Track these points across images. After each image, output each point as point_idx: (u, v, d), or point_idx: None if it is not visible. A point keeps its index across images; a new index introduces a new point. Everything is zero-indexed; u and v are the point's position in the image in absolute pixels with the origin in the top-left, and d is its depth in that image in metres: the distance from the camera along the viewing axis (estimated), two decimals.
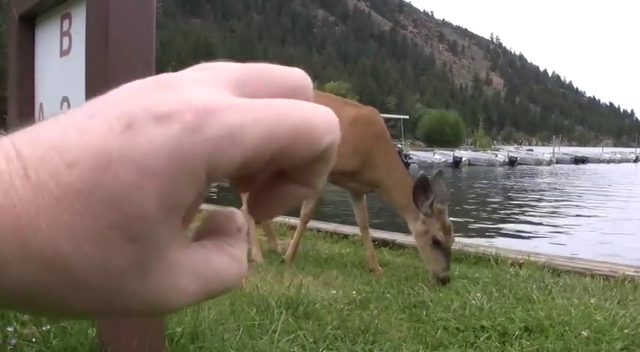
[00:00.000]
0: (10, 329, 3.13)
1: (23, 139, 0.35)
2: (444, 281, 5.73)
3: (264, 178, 0.42)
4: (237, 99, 0.38)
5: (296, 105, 0.39)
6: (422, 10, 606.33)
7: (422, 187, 5.98)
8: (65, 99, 3.41)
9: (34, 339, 3.11)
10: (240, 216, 0.44)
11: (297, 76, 0.42)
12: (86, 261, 0.34)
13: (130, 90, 0.38)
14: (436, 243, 5.93)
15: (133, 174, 0.34)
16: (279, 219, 9.66)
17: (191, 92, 0.37)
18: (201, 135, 0.35)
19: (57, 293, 0.35)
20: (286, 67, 0.43)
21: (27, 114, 3.92)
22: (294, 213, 7.56)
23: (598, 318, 4.40)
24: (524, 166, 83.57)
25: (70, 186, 0.34)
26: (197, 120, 0.35)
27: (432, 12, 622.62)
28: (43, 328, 3.17)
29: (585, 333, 4.12)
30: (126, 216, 0.34)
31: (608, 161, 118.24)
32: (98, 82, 2.77)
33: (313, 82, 0.43)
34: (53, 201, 0.34)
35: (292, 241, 7.02)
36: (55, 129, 0.36)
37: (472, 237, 14.61)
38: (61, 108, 3.44)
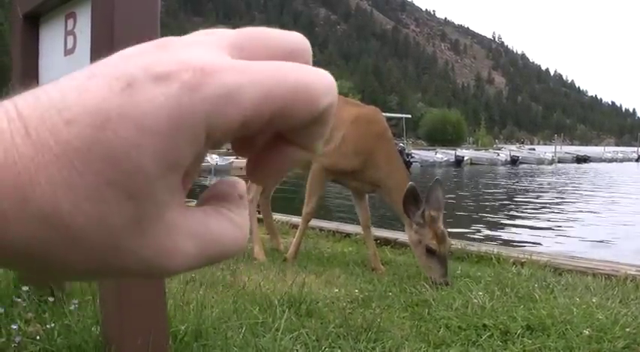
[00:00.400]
0: (14, 327, 3.14)
1: (25, 100, 0.36)
2: (445, 284, 5.73)
3: (264, 142, 0.43)
4: (235, 60, 0.39)
5: (294, 67, 0.39)
6: (424, 9, 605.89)
7: (412, 197, 5.98)
8: None
9: (38, 337, 3.12)
10: (242, 184, 0.45)
11: (296, 38, 0.43)
12: (85, 218, 0.35)
13: (130, 52, 0.39)
14: (430, 251, 5.93)
15: (132, 132, 0.35)
16: (281, 217, 9.67)
17: (189, 53, 0.38)
18: (200, 94, 0.36)
19: (56, 252, 0.36)
20: (284, 31, 0.43)
21: None
22: (297, 211, 7.57)
23: (600, 317, 4.41)
24: (526, 165, 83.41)
25: (68, 143, 0.34)
26: (195, 80, 0.36)
27: (433, 11, 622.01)
28: (47, 326, 3.18)
29: (587, 332, 4.12)
30: (124, 173, 0.35)
31: (610, 160, 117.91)
32: None
33: None
34: (53, 158, 0.34)
35: (294, 240, 7.01)
36: (55, 90, 0.36)
37: (474, 235, 14.61)
38: None
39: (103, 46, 2.78)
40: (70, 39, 3.38)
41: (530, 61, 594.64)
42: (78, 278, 0.40)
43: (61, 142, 0.35)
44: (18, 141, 0.34)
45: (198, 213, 0.41)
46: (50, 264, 0.37)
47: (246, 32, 0.42)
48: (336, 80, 0.43)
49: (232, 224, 0.42)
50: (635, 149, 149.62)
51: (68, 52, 3.44)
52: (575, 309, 4.57)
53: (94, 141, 0.35)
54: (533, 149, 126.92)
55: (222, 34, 0.41)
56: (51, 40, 3.72)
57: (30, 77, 3.93)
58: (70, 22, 3.38)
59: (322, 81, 0.40)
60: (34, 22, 3.90)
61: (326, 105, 0.40)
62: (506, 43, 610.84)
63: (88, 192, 0.35)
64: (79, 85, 0.36)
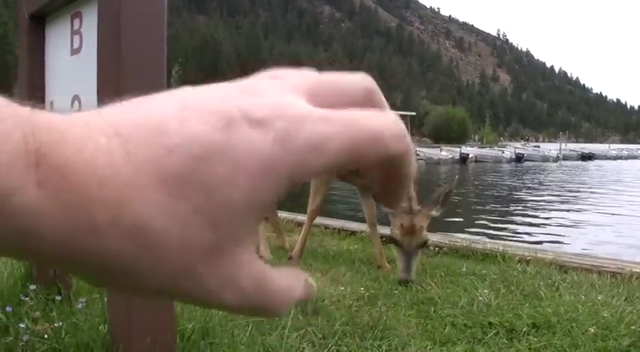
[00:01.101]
0: (22, 326, 3.15)
1: (117, 118, 0.38)
2: (402, 282, 5.65)
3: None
4: (319, 110, 0.40)
5: (369, 118, 0.41)
6: (428, 7, 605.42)
7: None
8: (76, 97, 3.42)
9: (45, 336, 3.13)
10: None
11: (363, 82, 0.45)
12: (171, 240, 0.37)
13: (215, 91, 0.41)
14: (393, 241, 5.91)
15: (228, 169, 0.37)
16: (287, 215, 9.66)
17: (279, 100, 0.40)
18: (290, 144, 0.38)
19: (135, 267, 0.37)
20: (353, 76, 0.45)
21: None
22: (302, 209, 7.56)
23: (605, 315, 4.41)
24: (531, 163, 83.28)
25: (167, 168, 0.36)
26: (286, 129, 0.38)
27: (438, 8, 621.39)
28: (55, 324, 3.19)
29: (592, 330, 4.12)
30: (214, 205, 0.37)
31: (615, 157, 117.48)
32: (110, 79, 2.79)
33: None
34: (150, 182, 0.36)
35: (300, 238, 7.01)
36: (148, 113, 0.38)
37: (479, 233, 14.59)
38: (71, 107, 3.46)
39: (109, 45, 2.79)
40: (77, 38, 3.39)
41: (535, 58, 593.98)
42: (140, 293, 0.41)
43: (160, 167, 0.36)
44: (118, 160, 0.36)
45: (260, 262, 0.42)
46: (121, 278, 0.38)
47: (319, 78, 0.44)
48: None
49: (284, 281, 0.44)
50: None
51: (74, 51, 3.45)
52: (580, 307, 4.57)
53: (191, 171, 0.36)
54: (538, 146, 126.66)
55: (297, 79, 0.43)
56: (57, 39, 3.73)
57: (36, 76, 3.94)
58: (76, 21, 3.39)
59: (393, 129, 0.42)
60: (40, 21, 3.91)
61: (396, 151, 0.42)
62: (510, 41, 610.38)
63: (178, 217, 0.37)
64: (174, 112, 0.38)
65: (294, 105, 0.40)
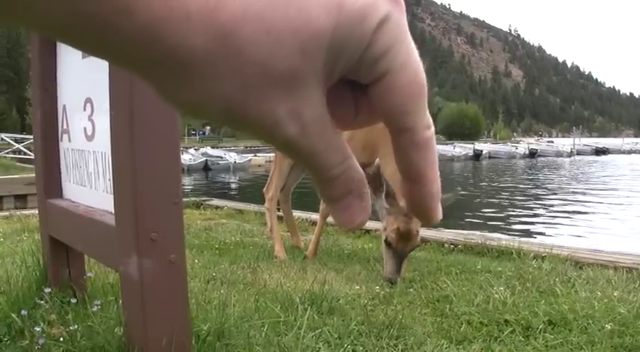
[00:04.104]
0: (38, 330, 3.16)
1: None
2: (387, 281, 5.54)
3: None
4: None
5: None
6: (439, 3, 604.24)
7: (376, 177, 5.75)
8: (88, 100, 3.43)
9: (61, 339, 3.14)
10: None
11: None
12: (257, 48, 0.37)
13: None
14: (387, 244, 5.71)
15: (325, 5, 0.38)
16: (301, 214, 9.65)
17: None
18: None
19: (213, 65, 0.37)
20: None
21: (50, 115, 3.95)
22: (315, 208, 7.55)
23: (622, 311, 4.37)
24: (545, 158, 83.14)
25: None
26: None
27: (449, 4, 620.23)
28: (70, 327, 3.20)
29: (609, 326, 4.09)
30: (309, 33, 0.38)
31: (630, 151, 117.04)
32: (122, 82, 2.78)
33: None
34: None
35: (313, 237, 6.97)
36: None
37: (494, 230, 14.55)
38: (84, 110, 3.46)
39: None
40: None
41: (547, 53, 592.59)
42: (207, 103, 0.40)
43: None
44: None
45: (324, 104, 0.42)
46: (196, 78, 0.38)
47: None
48: None
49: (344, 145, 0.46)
50: None
51: (86, 54, 3.45)
52: (596, 303, 4.54)
53: None
54: (552, 142, 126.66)
55: None
56: None
57: (48, 80, 3.95)
58: None
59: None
60: None
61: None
62: (522, 36, 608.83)
63: (271, 29, 0.37)
64: None
65: None
